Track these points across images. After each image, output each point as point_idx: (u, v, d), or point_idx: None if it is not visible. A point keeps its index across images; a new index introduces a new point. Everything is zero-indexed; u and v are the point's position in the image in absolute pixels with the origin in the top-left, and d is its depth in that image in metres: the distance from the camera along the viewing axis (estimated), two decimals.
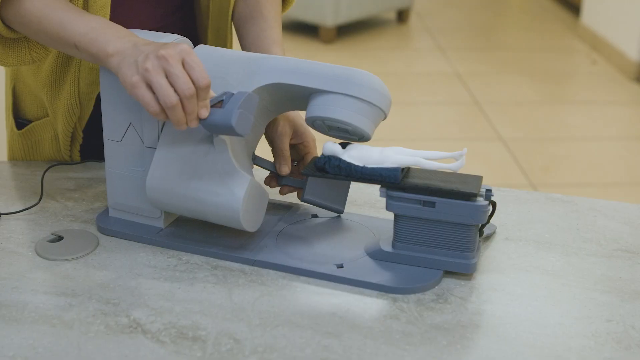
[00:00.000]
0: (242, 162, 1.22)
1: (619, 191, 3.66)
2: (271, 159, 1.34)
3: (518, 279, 1.20)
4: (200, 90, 1.11)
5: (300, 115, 1.36)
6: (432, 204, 1.17)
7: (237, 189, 1.17)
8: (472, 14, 6.62)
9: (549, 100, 4.72)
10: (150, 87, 1.10)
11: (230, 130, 1.12)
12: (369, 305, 1.13)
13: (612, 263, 1.25)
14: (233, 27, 1.51)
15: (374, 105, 1.19)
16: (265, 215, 1.29)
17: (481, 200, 1.17)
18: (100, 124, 1.28)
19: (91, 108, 1.44)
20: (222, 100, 1.14)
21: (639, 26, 4.90)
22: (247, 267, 1.20)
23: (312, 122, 1.22)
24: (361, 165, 1.18)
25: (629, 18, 5.03)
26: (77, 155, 1.50)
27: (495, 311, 1.12)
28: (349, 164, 1.18)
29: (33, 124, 1.51)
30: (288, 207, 1.36)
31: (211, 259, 1.22)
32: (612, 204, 1.43)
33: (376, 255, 1.22)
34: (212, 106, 1.13)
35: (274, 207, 1.36)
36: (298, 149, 1.36)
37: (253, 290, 1.15)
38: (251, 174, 1.24)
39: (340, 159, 1.19)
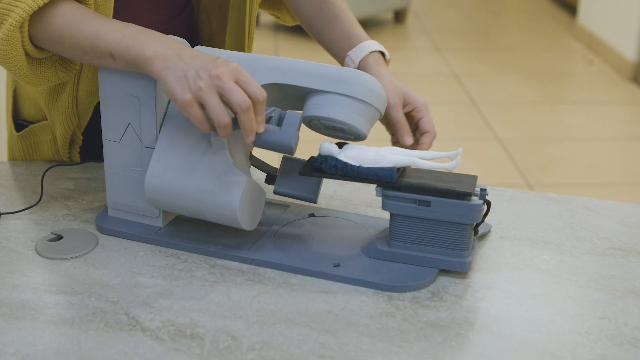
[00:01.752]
0: (240, 161, 1.23)
1: (616, 191, 3.67)
2: (268, 160, 1.35)
3: (512, 277, 1.21)
4: (257, 104, 1.11)
5: (402, 83, 1.37)
6: (428, 203, 1.18)
7: (234, 188, 1.18)
8: (469, 14, 6.63)
9: (545, 100, 4.73)
10: (201, 105, 1.11)
11: (286, 150, 1.17)
12: (365, 303, 1.14)
13: (606, 261, 1.26)
14: (253, 30, 1.51)
15: (370, 104, 1.20)
16: (262, 214, 1.30)
17: (476, 200, 1.18)
18: (100, 126, 1.29)
19: (89, 116, 1.44)
20: (272, 116, 1.18)
21: (635, 26, 4.92)
22: (244, 266, 1.22)
23: (309, 121, 1.23)
24: (357, 165, 1.19)
25: (625, 18, 5.04)
26: (76, 157, 1.51)
27: (489, 309, 1.14)
28: (345, 164, 1.19)
29: (32, 126, 1.52)
30: (285, 207, 1.38)
31: (209, 257, 1.23)
32: (606, 203, 1.45)
33: (372, 253, 1.23)
34: None
35: (272, 206, 1.37)
36: (411, 117, 1.37)
37: (251, 288, 1.16)
38: (249, 173, 1.25)
39: (336, 159, 1.20)
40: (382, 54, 1.43)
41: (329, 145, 1.20)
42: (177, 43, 1.17)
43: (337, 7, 1.47)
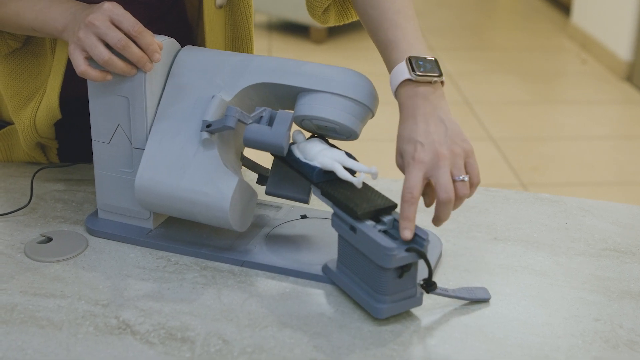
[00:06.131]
0: (231, 162, 1.22)
1: (609, 190, 3.67)
2: (259, 160, 1.34)
3: (506, 279, 1.20)
4: (138, 38, 1.15)
5: (424, 129, 1.17)
6: (354, 230, 1.10)
7: (225, 189, 1.17)
8: (462, 13, 6.63)
9: (539, 100, 4.73)
10: (86, 51, 1.16)
11: (277, 150, 1.17)
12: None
13: (600, 262, 1.26)
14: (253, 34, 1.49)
15: (361, 103, 1.19)
16: (254, 216, 1.29)
17: (390, 242, 1.06)
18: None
19: (53, 134, 1.43)
20: (262, 116, 1.18)
21: (628, 25, 4.92)
22: (236, 268, 1.20)
23: (300, 121, 1.22)
24: (298, 157, 1.18)
25: (619, 17, 5.04)
26: (55, 159, 1.50)
27: (483, 311, 1.12)
28: (291, 153, 1.19)
29: (10, 127, 1.49)
30: (278, 208, 1.36)
31: (200, 259, 1.22)
32: (601, 204, 1.44)
33: (325, 271, 1.18)
34: (254, 122, 1.17)
35: (264, 208, 1.36)
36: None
37: (242, 291, 1.15)
38: (240, 173, 1.24)
39: (290, 148, 1.20)
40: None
41: (296, 135, 1.21)
42: (78, 5, 1.22)
43: (375, 21, 1.25)
